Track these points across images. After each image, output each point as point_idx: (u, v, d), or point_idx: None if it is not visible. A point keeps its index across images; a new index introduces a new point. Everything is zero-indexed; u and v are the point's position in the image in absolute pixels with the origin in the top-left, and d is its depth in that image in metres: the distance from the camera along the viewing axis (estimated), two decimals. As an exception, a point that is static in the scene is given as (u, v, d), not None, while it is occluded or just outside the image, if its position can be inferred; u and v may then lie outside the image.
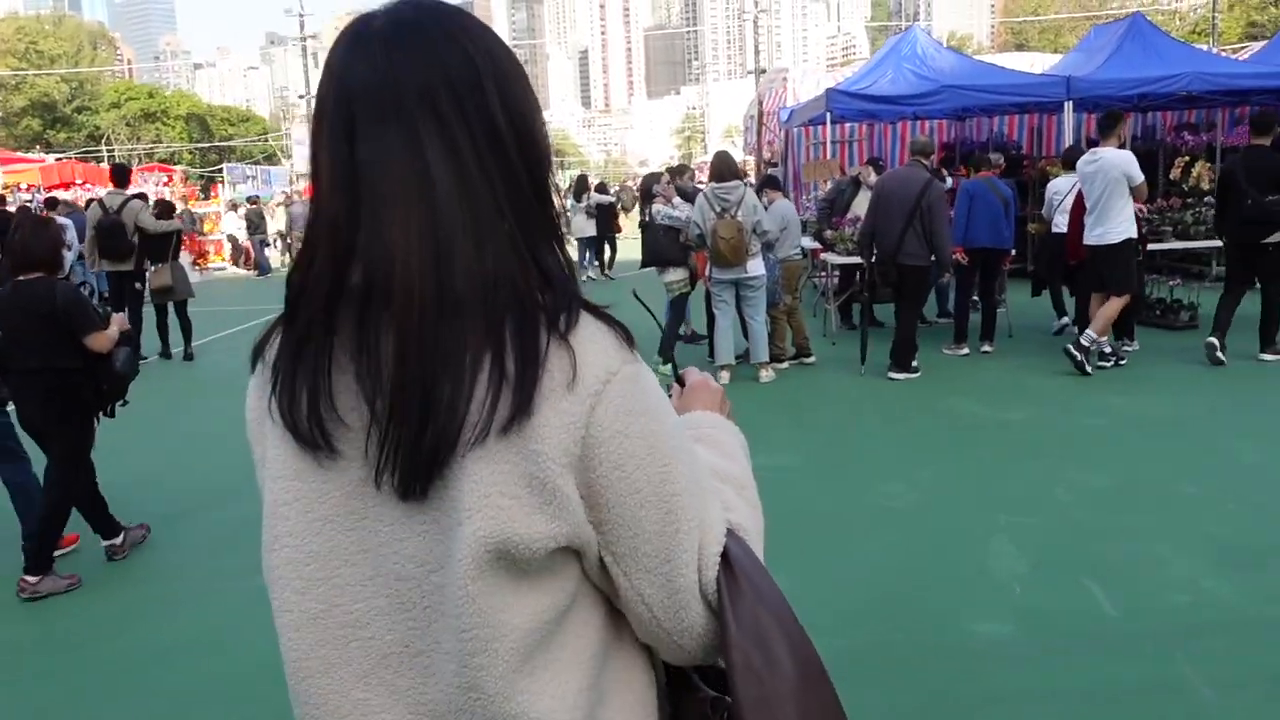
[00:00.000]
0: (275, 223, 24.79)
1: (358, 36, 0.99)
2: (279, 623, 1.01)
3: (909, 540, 4.88)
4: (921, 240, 8.07)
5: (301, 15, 44.33)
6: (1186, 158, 12.27)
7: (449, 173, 0.94)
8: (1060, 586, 4.23)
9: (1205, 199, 10.17)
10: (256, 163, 58.59)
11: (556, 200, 1.03)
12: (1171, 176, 12.11)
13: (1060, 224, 9.66)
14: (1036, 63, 17.30)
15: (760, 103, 20.42)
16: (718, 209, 7.77)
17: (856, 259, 9.84)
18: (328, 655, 0.98)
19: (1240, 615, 3.91)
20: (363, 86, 0.96)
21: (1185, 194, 11.44)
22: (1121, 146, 8.13)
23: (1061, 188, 9.75)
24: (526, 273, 0.95)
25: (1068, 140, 13.16)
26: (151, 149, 66.12)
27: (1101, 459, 6.01)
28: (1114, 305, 8.11)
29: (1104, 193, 7.97)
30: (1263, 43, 18.90)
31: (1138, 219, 8.26)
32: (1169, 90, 13.09)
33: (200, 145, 69.95)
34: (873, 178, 10.22)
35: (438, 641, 0.95)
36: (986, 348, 9.20)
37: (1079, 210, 8.94)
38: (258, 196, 27.72)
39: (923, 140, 9.14)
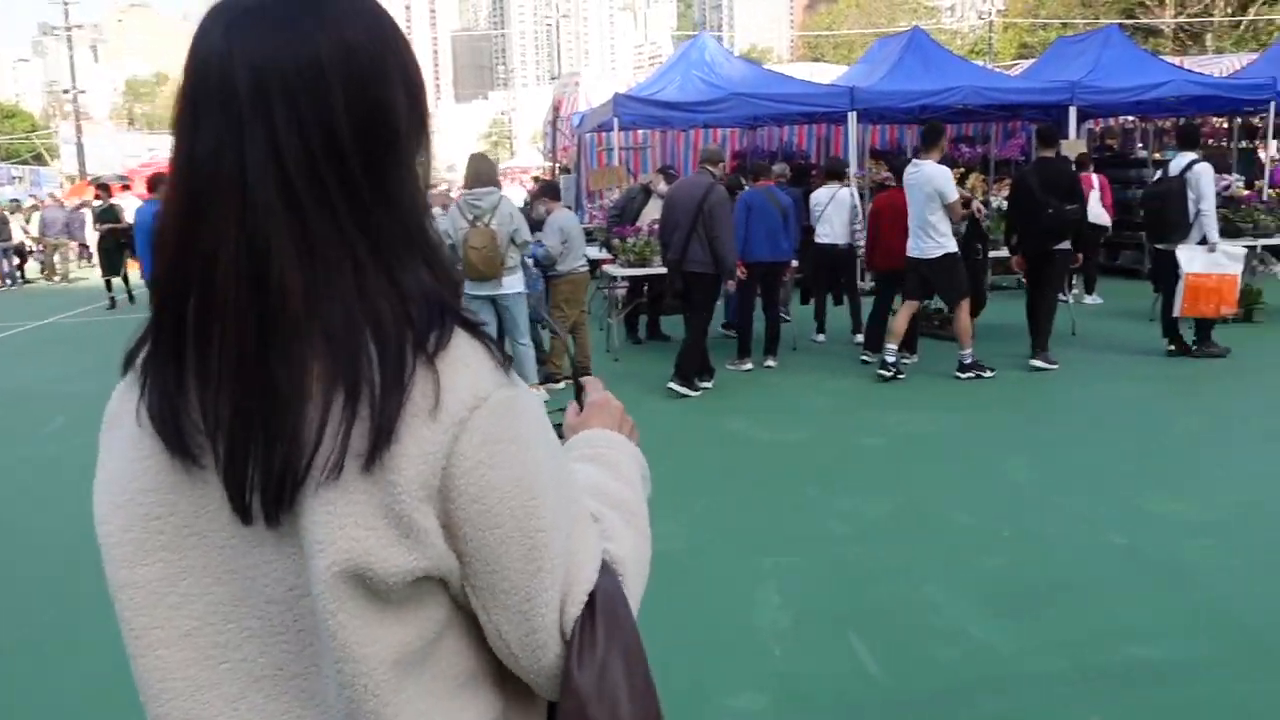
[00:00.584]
0: (33, 227, 22.44)
1: (214, 12, 0.91)
2: (143, 640, 0.94)
3: (670, 592, 4.37)
4: (705, 247, 7.79)
5: (66, 3, 40.80)
6: (962, 169, 12.47)
7: (270, 178, 0.86)
8: (824, 645, 3.80)
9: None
10: (24, 162, 54.03)
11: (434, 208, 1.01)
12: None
13: (824, 234, 9.66)
14: (826, 74, 17.50)
15: (555, 108, 19.93)
16: (470, 217, 7.12)
17: (643, 270, 9.44)
18: (196, 676, 0.94)
19: (1013, 670, 3.58)
20: (202, 70, 0.88)
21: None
22: (943, 161, 8.08)
23: (822, 198, 9.75)
24: (378, 291, 0.89)
25: (853, 150, 13.23)
26: (-108, 144, 60.05)
27: (878, 483, 5.72)
28: (962, 316, 8.10)
29: (921, 206, 7.94)
30: (1032, 61, 19.82)
31: (976, 221, 8.25)
32: (947, 103, 13.35)
33: (-49, 142, 63.95)
34: (663, 186, 9.84)
35: (315, 664, 0.92)
36: (770, 362, 8.94)
37: (876, 219, 8.85)
38: (16, 201, 25.21)
39: (713, 149, 8.80)
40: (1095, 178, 11.76)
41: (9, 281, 20.85)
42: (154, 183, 9.96)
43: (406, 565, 0.86)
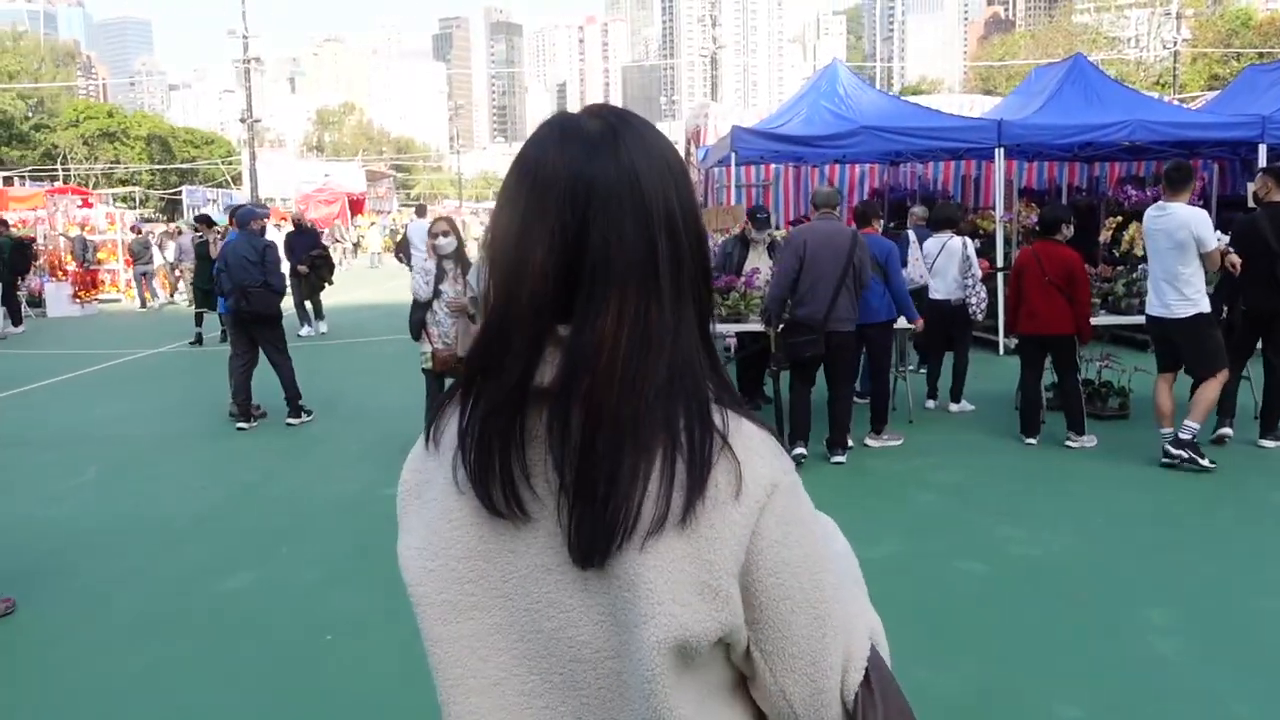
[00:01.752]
0: (168, 253, 23.02)
1: (574, 131, 1.05)
2: (458, 688, 1.05)
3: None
4: (854, 302, 7.00)
5: (245, 37, 42.70)
6: (1119, 218, 10.82)
7: (669, 259, 1.01)
8: None
9: (1140, 266, 8.72)
10: (219, 185, 56.96)
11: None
12: (1100, 239, 10.60)
13: (936, 289, 8.44)
14: (980, 106, 15.97)
15: (689, 141, 19.04)
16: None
17: (739, 325, 8.33)
18: (503, 719, 1.04)
19: None
20: (602, 177, 1.01)
21: (1116, 260, 9.97)
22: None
23: (931, 249, 8.51)
24: (702, 363, 1.03)
25: (999, 190, 11.77)
26: (110, 169, 64.52)
27: (962, 639, 4.43)
28: (1211, 388, 6.83)
29: (1169, 257, 6.79)
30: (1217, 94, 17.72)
31: (1231, 276, 7.08)
32: (1111, 139, 11.75)
33: (159, 167, 68.32)
34: (755, 233, 8.71)
35: (613, 716, 1.01)
36: (837, 458, 7.64)
37: (1019, 275, 7.60)
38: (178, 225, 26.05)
39: (826, 190, 7.62)
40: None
41: (147, 304, 21.36)
42: (239, 217, 9.50)
43: (715, 629, 0.97)
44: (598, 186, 1.00)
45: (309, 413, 9.11)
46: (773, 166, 15.37)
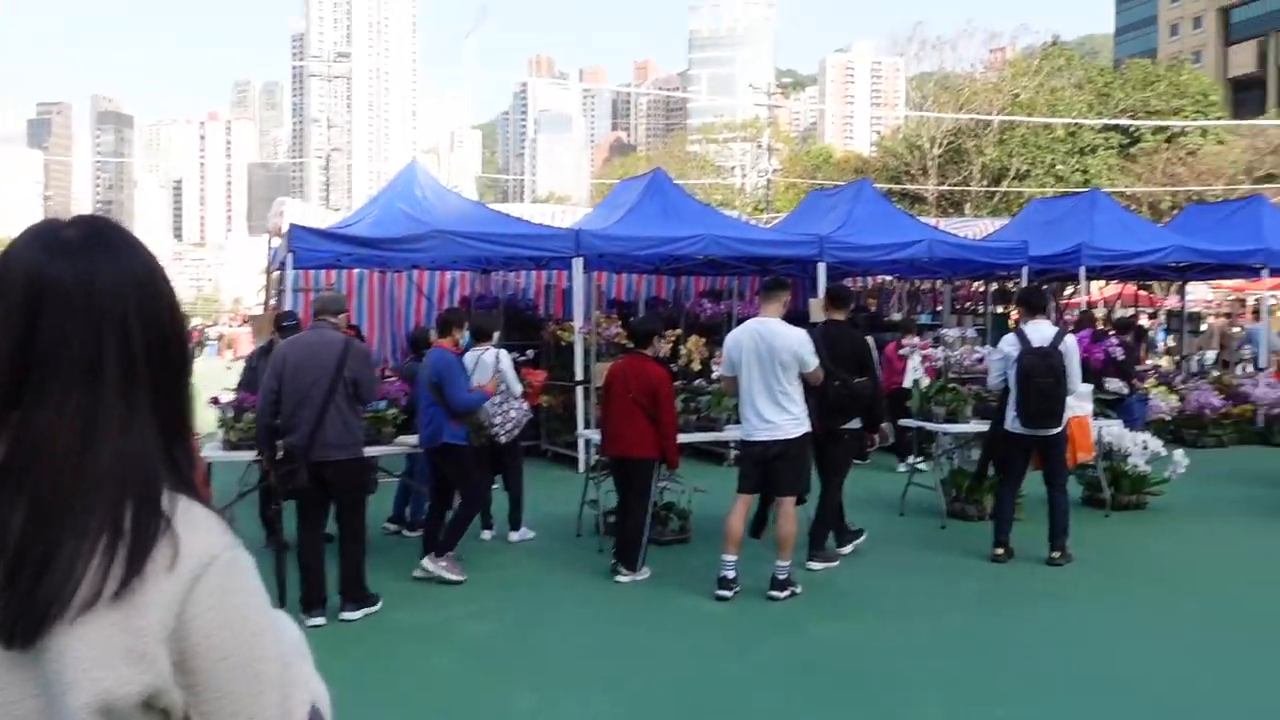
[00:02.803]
0: None
1: (50, 236, 1.15)
2: None
3: None
4: (348, 425, 5.96)
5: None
6: (679, 331, 10.75)
7: (117, 364, 1.11)
8: None
9: (695, 380, 8.46)
10: None
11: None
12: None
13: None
14: (566, 215, 15.87)
15: (271, 238, 17.47)
16: None
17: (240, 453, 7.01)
18: None
19: None
20: (58, 279, 1.11)
21: (674, 375, 9.76)
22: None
23: (468, 361, 7.80)
24: (157, 463, 1.12)
25: (578, 301, 11.39)
26: None
27: None
28: (792, 518, 6.49)
29: (771, 374, 6.35)
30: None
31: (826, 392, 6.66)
32: (686, 252, 11.82)
33: None
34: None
35: None
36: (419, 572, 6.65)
37: (608, 391, 7.00)
38: None
39: (329, 295, 6.73)
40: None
41: None
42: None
43: (139, 693, 1.04)
44: (52, 288, 1.11)
45: None
46: (356, 271, 14.25)
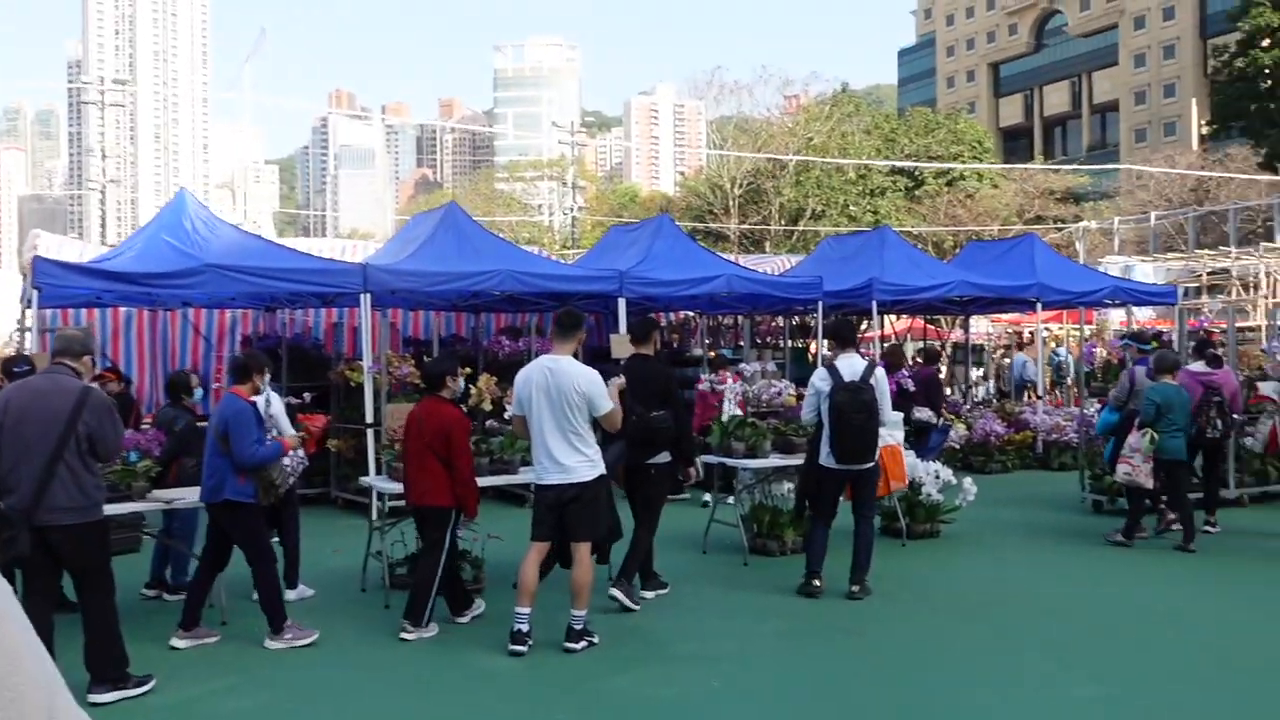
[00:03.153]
0: None
1: None
2: None
3: None
4: (75, 486, 5.20)
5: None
6: (468, 369, 10.31)
7: None
8: None
9: (488, 421, 8.03)
10: None
11: None
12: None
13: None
14: (360, 250, 15.13)
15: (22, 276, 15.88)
16: None
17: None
18: None
19: None
20: None
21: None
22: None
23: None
24: None
25: (366, 339, 10.74)
26: None
27: None
28: (589, 566, 6.17)
29: (564, 415, 5.99)
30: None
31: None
32: (481, 287, 11.38)
33: None
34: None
35: None
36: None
37: (407, 436, 6.61)
38: None
39: (68, 334, 5.88)
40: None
41: None
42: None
43: None
44: None
45: None
46: (123, 309, 13.07)
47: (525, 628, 5.99)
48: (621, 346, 12.02)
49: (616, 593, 6.86)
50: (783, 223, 45.94)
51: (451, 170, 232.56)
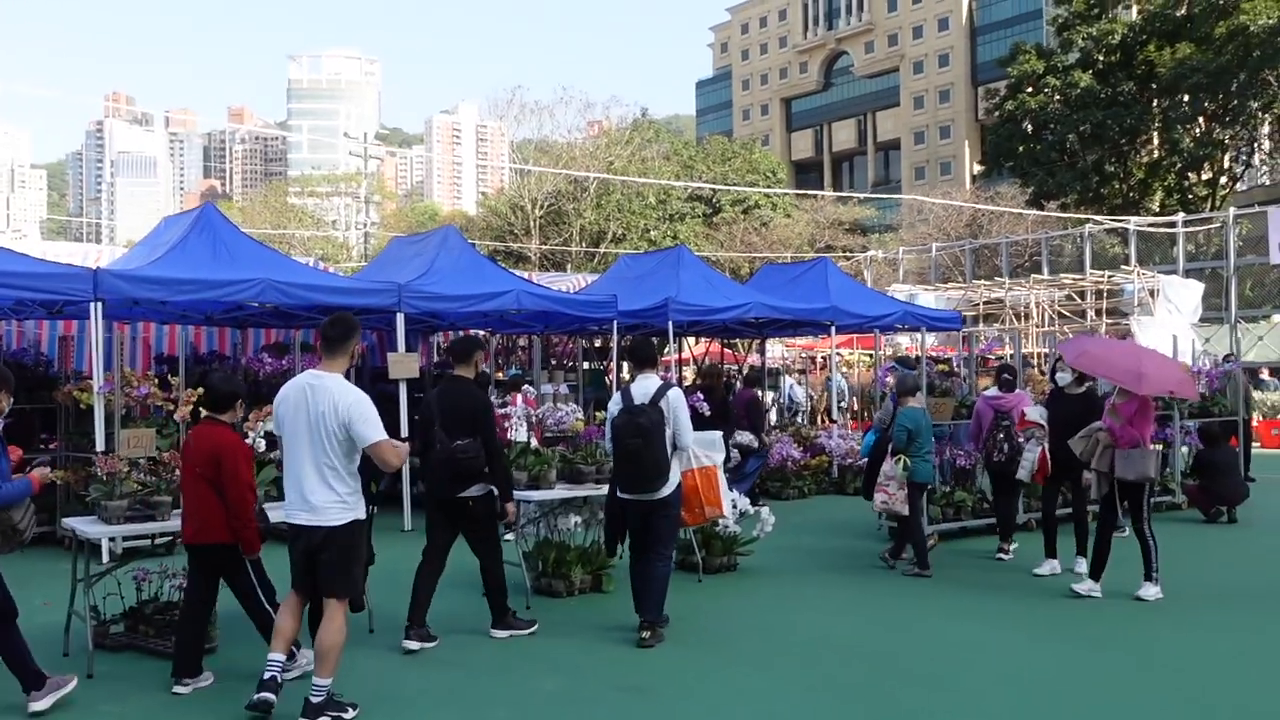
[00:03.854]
0: None
1: None
2: None
3: None
4: None
5: None
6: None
7: None
8: None
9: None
10: None
11: None
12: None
13: None
14: (104, 254, 13.42)
15: None
16: None
17: None
18: None
19: None
20: None
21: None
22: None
23: None
24: None
25: (96, 353, 9.34)
26: None
27: None
28: (340, 626, 5.13)
29: (324, 446, 5.12)
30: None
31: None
32: (234, 298, 10.15)
33: None
34: None
35: None
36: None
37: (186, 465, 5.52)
38: None
39: None
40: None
41: None
42: None
43: None
44: None
45: None
46: None
47: (277, 675, 5.13)
48: (402, 366, 11.09)
49: (499, 633, 6.65)
50: (584, 245, 45.66)
51: (242, 182, 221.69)
